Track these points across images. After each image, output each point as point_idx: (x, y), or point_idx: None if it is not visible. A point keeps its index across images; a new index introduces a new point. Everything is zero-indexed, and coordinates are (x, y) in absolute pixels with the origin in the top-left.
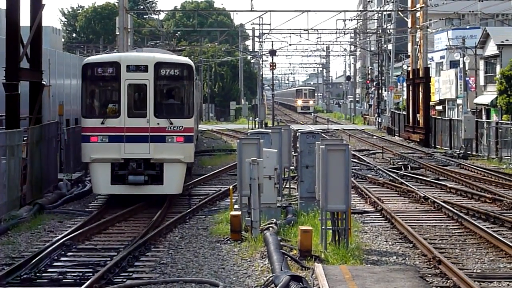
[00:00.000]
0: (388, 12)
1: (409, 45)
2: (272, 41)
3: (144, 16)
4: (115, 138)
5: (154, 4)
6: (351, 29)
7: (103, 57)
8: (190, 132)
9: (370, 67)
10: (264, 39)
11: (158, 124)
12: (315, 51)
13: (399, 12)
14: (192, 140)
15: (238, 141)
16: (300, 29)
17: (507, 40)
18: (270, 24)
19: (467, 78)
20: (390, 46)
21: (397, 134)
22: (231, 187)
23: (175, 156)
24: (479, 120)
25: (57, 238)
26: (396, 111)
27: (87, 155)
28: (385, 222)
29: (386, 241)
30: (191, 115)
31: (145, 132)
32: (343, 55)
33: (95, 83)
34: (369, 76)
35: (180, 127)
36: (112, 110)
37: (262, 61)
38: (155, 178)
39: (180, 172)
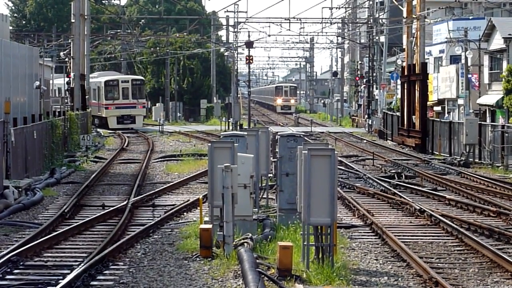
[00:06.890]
0: (380, 0)
1: (404, 37)
2: (249, 31)
3: (103, 2)
4: (117, 107)
5: None
6: (339, 18)
7: (112, 78)
8: (144, 104)
9: (359, 62)
10: (240, 28)
11: (132, 101)
12: (297, 43)
13: (393, 0)
14: (145, 107)
15: (209, 144)
16: (281, 18)
17: None
18: (246, 12)
19: (469, 75)
20: (382, 38)
21: (390, 138)
22: (200, 197)
23: (139, 113)
24: (482, 123)
25: (2, 253)
26: (389, 112)
27: (107, 114)
28: (376, 238)
29: (377, 260)
30: (144, 98)
31: (128, 104)
32: (329, 48)
33: (110, 87)
34: (359, 72)
35: (141, 102)
36: (116, 96)
37: (238, 53)
38: (132, 121)
39: (141, 118)
